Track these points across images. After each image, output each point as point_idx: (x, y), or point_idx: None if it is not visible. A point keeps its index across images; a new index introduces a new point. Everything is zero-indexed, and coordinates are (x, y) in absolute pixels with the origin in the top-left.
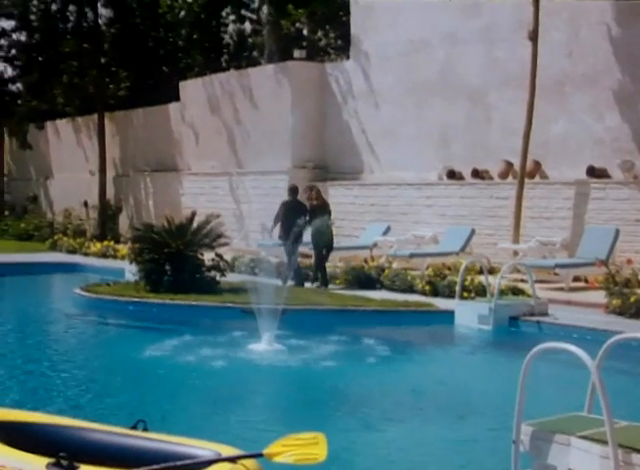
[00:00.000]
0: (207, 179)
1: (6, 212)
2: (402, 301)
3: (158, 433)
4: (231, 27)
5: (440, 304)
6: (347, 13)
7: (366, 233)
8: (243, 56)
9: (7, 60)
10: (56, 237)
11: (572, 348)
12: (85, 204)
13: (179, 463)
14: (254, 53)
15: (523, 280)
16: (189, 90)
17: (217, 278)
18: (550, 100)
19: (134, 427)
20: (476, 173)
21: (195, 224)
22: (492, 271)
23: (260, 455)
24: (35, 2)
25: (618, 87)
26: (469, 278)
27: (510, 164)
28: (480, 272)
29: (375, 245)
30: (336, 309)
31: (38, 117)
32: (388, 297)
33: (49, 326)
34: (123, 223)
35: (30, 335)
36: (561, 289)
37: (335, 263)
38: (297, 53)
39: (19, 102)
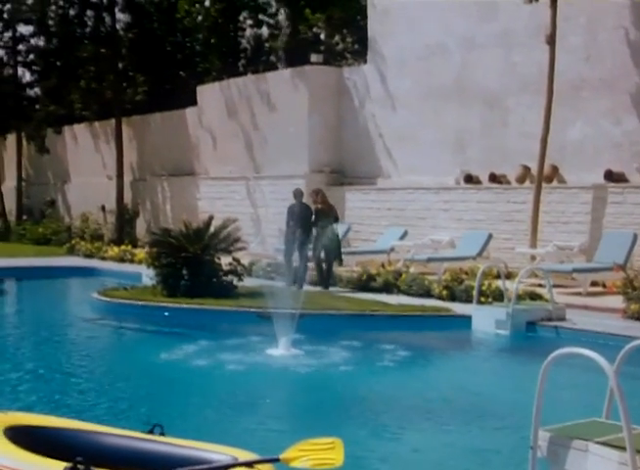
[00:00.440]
0: (225, 183)
1: (24, 217)
2: (419, 305)
3: (174, 437)
4: (248, 32)
5: (458, 308)
6: (365, 17)
7: (383, 238)
8: (260, 60)
9: (25, 65)
10: (73, 241)
11: (590, 353)
12: (103, 208)
13: (196, 468)
14: (272, 57)
15: (540, 285)
16: (206, 95)
17: (234, 282)
18: (567, 104)
19: (151, 431)
20: (493, 178)
21: (212, 229)
22: (510, 276)
23: (277, 460)
24: (53, 7)
25: (636, 91)
26: (486, 283)
27: (527, 169)
28: (498, 277)
29: (392, 249)
30: (353, 314)
31: (56, 122)
32: (406, 301)
33: (66, 330)
34: (140, 228)
35: (48, 339)
36: (578, 294)
37: (351, 268)
38: (314, 57)
39: (37, 107)
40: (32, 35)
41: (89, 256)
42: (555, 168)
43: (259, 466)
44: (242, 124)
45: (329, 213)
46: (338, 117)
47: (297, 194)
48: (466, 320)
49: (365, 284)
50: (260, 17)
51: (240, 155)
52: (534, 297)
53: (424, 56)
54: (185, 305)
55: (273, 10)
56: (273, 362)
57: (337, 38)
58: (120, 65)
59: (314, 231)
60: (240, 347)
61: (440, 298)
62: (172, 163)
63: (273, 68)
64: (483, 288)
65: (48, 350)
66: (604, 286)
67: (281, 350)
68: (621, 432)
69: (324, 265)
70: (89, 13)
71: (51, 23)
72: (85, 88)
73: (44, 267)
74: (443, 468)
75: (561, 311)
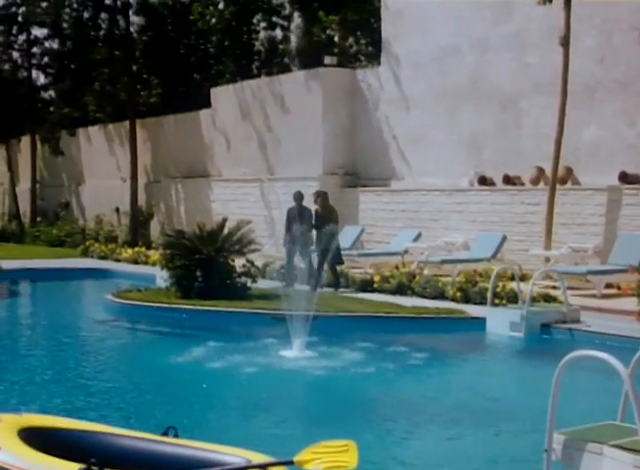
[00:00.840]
0: (238, 185)
1: (38, 219)
2: (433, 307)
3: (188, 439)
4: (262, 34)
5: (472, 310)
6: (378, 19)
7: (397, 239)
8: (274, 62)
9: (40, 67)
10: (87, 243)
11: (605, 356)
12: (117, 210)
13: None
14: (285, 59)
15: (554, 287)
16: (220, 97)
17: (248, 284)
18: (582, 106)
19: (165, 433)
20: (507, 179)
21: (226, 230)
22: (524, 278)
23: (291, 462)
24: (68, 10)
25: None
26: (500, 285)
27: (541, 170)
28: (512, 279)
29: (406, 251)
30: (366, 316)
31: (70, 124)
32: (419, 303)
33: (80, 332)
34: (154, 230)
35: (62, 340)
36: (593, 296)
37: (365, 270)
38: (327, 59)
39: (51, 109)
40: (47, 38)
41: (103, 257)
42: (569, 170)
43: (273, 468)
44: (255, 126)
45: (329, 216)
46: (351, 118)
47: (298, 196)
48: (480, 322)
49: (366, 286)
50: (274, 19)
51: (254, 157)
52: (549, 299)
53: (437, 57)
54: (199, 307)
55: (287, 12)
56: (287, 364)
57: (350, 40)
58: (134, 67)
59: (314, 233)
60: (254, 348)
61: (454, 300)
62: (186, 165)
63: (287, 70)
64: (498, 290)
65: (62, 351)
66: (618, 288)
67: (295, 351)
68: (636, 435)
69: (325, 267)
70: (103, 15)
71: (65, 25)
72: (99, 90)
73: (58, 269)
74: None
75: (575, 314)
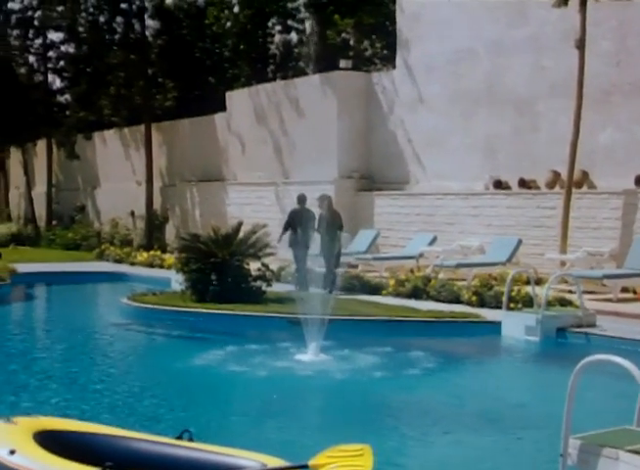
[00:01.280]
0: (253, 189)
1: (54, 222)
2: (449, 311)
3: (203, 443)
4: (277, 38)
5: (487, 314)
6: (393, 22)
7: (412, 243)
8: (289, 66)
9: (55, 71)
10: (103, 247)
11: (621, 360)
12: (132, 214)
13: None
14: (300, 63)
15: (570, 291)
16: (235, 100)
17: (263, 288)
18: (597, 109)
19: (180, 437)
20: (523, 183)
21: (241, 234)
22: (539, 282)
23: (306, 467)
24: (83, 14)
25: None
26: (516, 289)
27: (557, 174)
28: (527, 283)
29: (421, 255)
30: (382, 320)
31: (86, 128)
32: (435, 307)
33: (96, 335)
34: (170, 233)
35: (77, 344)
36: (609, 300)
37: (381, 273)
38: (343, 63)
39: (67, 113)
40: (63, 42)
41: (118, 261)
42: (585, 174)
43: None
44: (271, 130)
45: (333, 221)
46: (366, 122)
47: (302, 199)
48: (495, 326)
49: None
50: (289, 22)
51: (269, 160)
52: (564, 303)
53: (453, 61)
54: (214, 311)
55: (302, 15)
56: (302, 368)
57: (365, 43)
58: (150, 71)
59: (317, 236)
60: (269, 352)
61: (470, 304)
62: (201, 168)
63: (302, 73)
64: (513, 294)
65: (77, 354)
66: (634, 292)
67: (310, 355)
68: None
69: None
70: (119, 19)
71: (81, 29)
72: (115, 94)
73: (74, 272)
74: None
75: (591, 318)
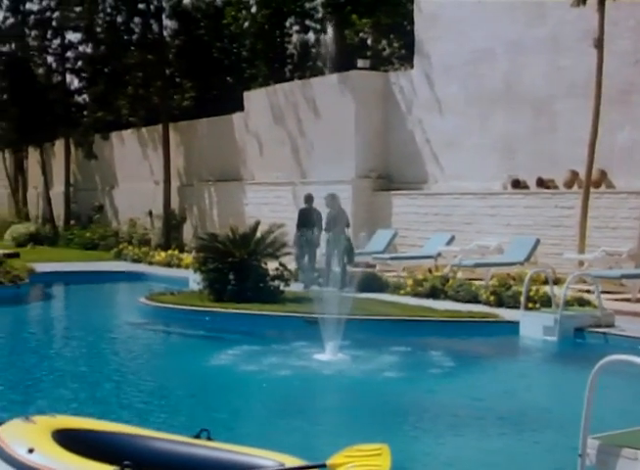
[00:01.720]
0: (271, 189)
1: (72, 222)
2: (466, 311)
3: (221, 442)
4: (295, 38)
5: (505, 314)
6: (411, 22)
7: (430, 243)
8: (306, 66)
9: (73, 71)
10: (121, 246)
11: None
12: (150, 213)
13: None
14: (318, 63)
15: (588, 291)
16: (253, 100)
17: (281, 288)
18: (616, 108)
19: (197, 436)
20: (541, 183)
21: (258, 234)
22: (557, 282)
23: (323, 466)
24: (101, 15)
25: None
26: (534, 288)
27: (575, 174)
28: (546, 283)
29: (439, 255)
30: (400, 320)
31: (104, 128)
32: (452, 307)
33: (114, 335)
34: (187, 233)
35: (96, 343)
36: (627, 300)
37: (398, 273)
38: (360, 63)
39: (85, 113)
40: (81, 42)
41: (136, 260)
42: (603, 173)
43: None
44: (288, 130)
45: (340, 219)
46: (384, 122)
47: (309, 198)
48: (513, 326)
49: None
50: (307, 22)
51: (286, 160)
52: (583, 303)
53: (471, 61)
54: (232, 310)
55: (320, 15)
56: (320, 367)
57: (383, 43)
58: (168, 71)
59: (325, 235)
60: (286, 351)
61: (488, 303)
62: (219, 168)
63: (320, 73)
64: (531, 294)
65: (96, 354)
66: None
67: (328, 355)
68: None
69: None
70: (136, 20)
71: (99, 30)
72: (133, 94)
73: (92, 272)
74: None
75: (609, 318)
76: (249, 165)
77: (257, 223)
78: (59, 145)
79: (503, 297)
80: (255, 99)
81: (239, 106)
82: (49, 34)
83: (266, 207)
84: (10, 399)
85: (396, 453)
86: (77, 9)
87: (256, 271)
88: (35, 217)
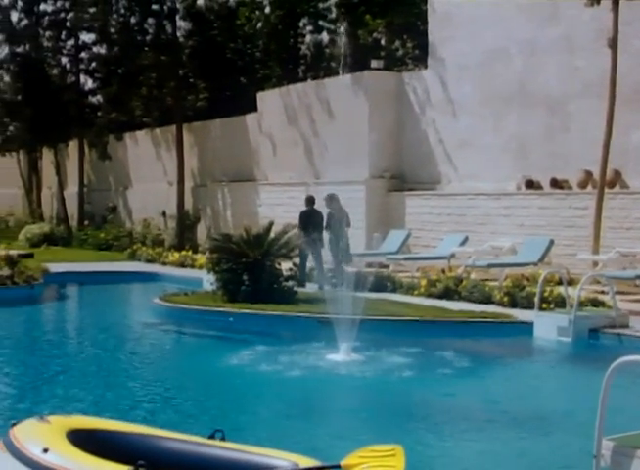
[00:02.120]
0: (284, 189)
1: (86, 222)
2: (480, 312)
3: (235, 443)
4: (308, 38)
5: (519, 315)
6: (425, 22)
7: (443, 243)
8: (320, 66)
9: (87, 72)
10: (134, 247)
11: None
12: (164, 214)
13: None
14: (332, 63)
15: (603, 292)
16: (266, 101)
17: (294, 288)
18: (630, 108)
19: (212, 436)
20: (555, 183)
21: (272, 234)
22: (572, 282)
23: (338, 467)
24: (115, 16)
25: None
26: (548, 289)
27: (589, 174)
28: (560, 283)
29: (452, 255)
30: (413, 320)
31: (117, 129)
32: (466, 308)
33: (128, 335)
34: (201, 233)
35: (109, 343)
36: None
37: (412, 273)
38: (374, 63)
39: (99, 113)
40: (94, 43)
41: (150, 261)
42: (618, 173)
43: None
44: (302, 130)
45: (341, 219)
46: (397, 122)
47: (310, 200)
48: (527, 327)
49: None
50: (320, 23)
51: (300, 161)
52: (597, 304)
53: (484, 61)
54: (245, 311)
55: (333, 16)
56: (334, 368)
57: (397, 44)
58: (181, 72)
59: (326, 235)
60: (300, 352)
61: (501, 304)
62: (233, 169)
63: (334, 74)
64: (545, 294)
65: (110, 354)
66: None
67: (342, 355)
68: None
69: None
70: (150, 21)
71: (113, 31)
72: (146, 95)
73: (106, 272)
74: None
75: (624, 319)
76: (262, 166)
77: (271, 224)
78: (73, 146)
79: (517, 297)
80: (269, 99)
81: (252, 106)
82: (63, 35)
83: (280, 207)
84: (25, 400)
85: (410, 454)
86: (91, 10)
87: (270, 272)
88: (49, 218)
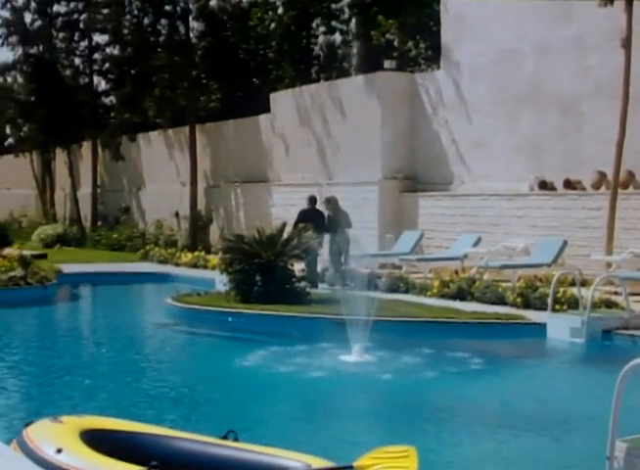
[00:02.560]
0: (297, 190)
1: (99, 223)
2: (493, 313)
3: (248, 443)
4: (321, 39)
5: (532, 316)
6: (438, 23)
7: (456, 244)
8: (333, 67)
9: (100, 73)
10: (147, 247)
11: None
12: (176, 214)
13: None
14: (344, 64)
15: (616, 293)
16: (279, 101)
17: (307, 289)
18: None
19: (225, 437)
20: (568, 184)
21: (285, 235)
22: (585, 283)
23: (351, 468)
24: (128, 17)
25: None
26: (561, 290)
27: (603, 175)
28: (573, 284)
29: (465, 256)
30: (426, 321)
31: (130, 130)
32: (479, 309)
33: (141, 335)
34: (214, 234)
35: (122, 344)
36: None
37: (425, 274)
38: (387, 64)
39: (112, 114)
40: (107, 44)
41: (163, 261)
42: (631, 174)
43: None
44: (314, 131)
45: (341, 221)
46: (410, 123)
47: (312, 200)
48: (540, 328)
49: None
50: (333, 23)
51: (312, 161)
52: (610, 305)
53: (498, 61)
54: (258, 312)
55: (346, 16)
56: (347, 369)
57: (410, 44)
58: (194, 73)
59: (326, 235)
60: (313, 353)
61: (514, 305)
62: (246, 169)
63: (346, 74)
64: (558, 295)
65: (123, 354)
66: None
67: (354, 356)
68: None
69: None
70: (163, 22)
71: (126, 32)
72: (159, 96)
73: (119, 273)
74: None
75: (637, 320)
76: (275, 167)
77: (284, 225)
78: (86, 146)
79: (530, 298)
80: (282, 100)
81: (265, 107)
82: (76, 36)
83: (293, 208)
84: (39, 399)
85: (423, 455)
86: (104, 11)
87: (283, 273)
88: (63, 219)
